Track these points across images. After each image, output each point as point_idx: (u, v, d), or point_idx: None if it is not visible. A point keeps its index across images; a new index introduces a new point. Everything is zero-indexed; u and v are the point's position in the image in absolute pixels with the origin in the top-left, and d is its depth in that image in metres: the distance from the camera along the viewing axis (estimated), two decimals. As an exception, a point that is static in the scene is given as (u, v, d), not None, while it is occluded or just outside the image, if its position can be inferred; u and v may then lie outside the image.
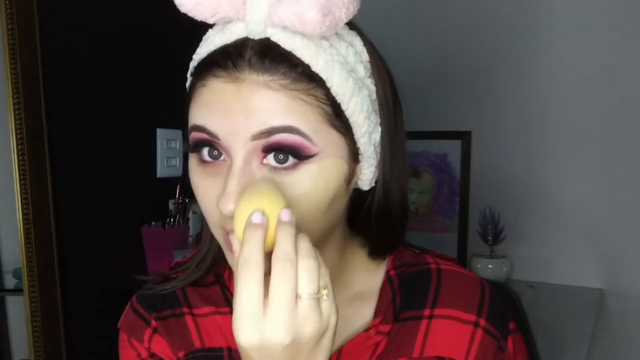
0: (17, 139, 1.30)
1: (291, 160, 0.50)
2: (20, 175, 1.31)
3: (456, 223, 1.84)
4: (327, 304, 0.46)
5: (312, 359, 0.46)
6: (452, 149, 1.83)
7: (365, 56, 0.55)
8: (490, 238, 1.69)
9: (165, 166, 1.71)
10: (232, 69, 0.49)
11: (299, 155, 0.49)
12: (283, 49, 0.49)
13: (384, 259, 0.65)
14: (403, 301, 0.63)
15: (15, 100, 1.29)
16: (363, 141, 0.54)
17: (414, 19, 1.83)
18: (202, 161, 0.53)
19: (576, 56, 1.66)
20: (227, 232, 0.52)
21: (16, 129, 1.29)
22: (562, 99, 1.69)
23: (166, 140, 1.70)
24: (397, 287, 0.63)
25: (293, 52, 0.49)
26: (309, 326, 0.44)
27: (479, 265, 1.67)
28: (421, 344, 0.60)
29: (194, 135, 0.52)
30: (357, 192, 0.60)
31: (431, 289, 0.63)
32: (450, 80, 1.82)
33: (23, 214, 1.32)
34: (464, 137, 1.81)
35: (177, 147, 1.75)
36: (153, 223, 1.62)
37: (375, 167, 0.57)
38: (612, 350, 1.66)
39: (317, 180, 0.51)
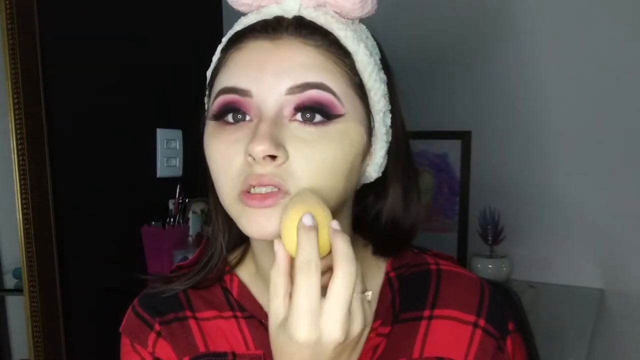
0: (17, 140, 1.30)
1: (319, 118, 0.52)
2: (20, 175, 1.31)
3: (456, 223, 1.84)
4: (367, 304, 0.48)
5: (352, 353, 0.48)
6: (452, 149, 1.83)
7: (377, 52, 0.58)
8: (490, 238, 1.69)
9: (165, 166, 1.71)
10: (272, 32, 0.53)
11: (328, 114, 0.52)
12: (316, 23, 0.54)
13: (386, 258, 0.65)
14: (402, 302, 0.63)
15: (15, 100, 1.29)
16: (378, 119, 0.56)
17: (412, 19, 1.83)
18: (225, 123, 0.54)
19: (576, 56, 1.66)
20: (246, 189, 0.51)
21: (16, 130, 1.29)
22: (563, 99, 1.69)
23: (166, 140, 1.70)
24: (397, 289, 0.63)
25: (324, 26, 0.54)
26: (357, 325, 0.46)
27: (479, 265, 1.67)
28: (421, 345, 0.61)
29: (221, 99, 0.53)
30: (365, 192, 0.61)
31: (431, 290, 0.63)
32: (449, 80, 1.82)
33: (23, 214, 1.32)
34: (464, 137, 1.81)
35: (177, 147, 1.75)
36: (153, 223, 1.62)
37: (386, 151, 0.58)
38: (612, 350, 1.66)
39: (344, 139, 0.52)
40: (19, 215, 1.31)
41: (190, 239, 1.65)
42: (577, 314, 1.58)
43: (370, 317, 0.48)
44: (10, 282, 1.41)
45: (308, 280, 0.45)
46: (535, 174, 1.73)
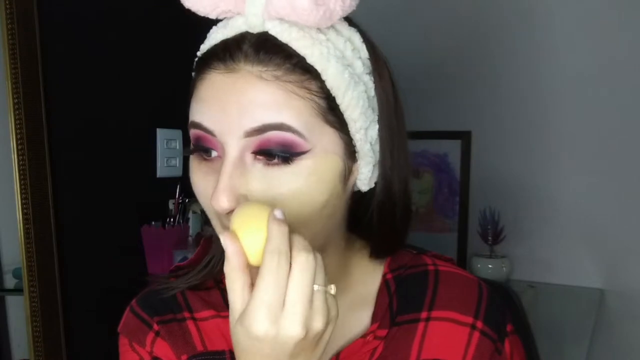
0: (17, 139, 1.29)
1: (281, 158, 0.50)
2: (20, 175, 1.31)
3: (456, 223, 1.84)
4: (331, 298, 0.47)
5: (314, 350, 0.47)
6: (452, 149, 1.83)
7: (364, 53, 0.54)
8: (490, 238, 1.69)
9: (165, 166, 1.71)
10: (229, 60, 0.50)
11: (291, 152, 0.49)
12: (280, 41, 0.50)
13: (384, 260, 0.64)
14: (400, 304, 0.62)
15: (15, 100, 1.29)
16: (359, 137, 0.53)
17: (413, 19, 1.83)
18: (201, 159, 0.54)
19: (576, 56, 1.66)
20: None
21: (16, 129, 1.29)
22: (562, 99, 1.69)
23: (166, 140, 1.70)
24: (394, 291, 0.63)
25: (289, 44, 0.50)
26: (319, 320, 0.45)
27: (479, 265, 1.67)
28: (418, 347, 0.60)
29: (192, 133, 0.53)
30: (359, 194, 0.60)
31: (428, 291, 0.63)
32: (450, 80, 1.82)
33: (23, 214, 1.31)
34: (464, 137, 1.81)
35: (177, 147, 1.74)
36: (153, 223, 1.62)
37: (373, 165, 0.56)
38: (612, 350, 1.66)
39: (310, 176, 0.50)
40: (19, 215, 1.31)
41: (190, 239, 1.65)
42: (577, 314, 1.59)
43: (334, 312, 0.47)
44: (10, 282, 1.41)
45: (276, 272, 0.44)
46: (535, 174, 1.74)
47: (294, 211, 0.50)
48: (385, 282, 0.63)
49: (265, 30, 0.50)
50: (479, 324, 0.61)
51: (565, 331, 1.52)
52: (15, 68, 1.28)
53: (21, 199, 1.31)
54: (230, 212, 0.49)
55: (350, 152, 0.54)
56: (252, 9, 0.50)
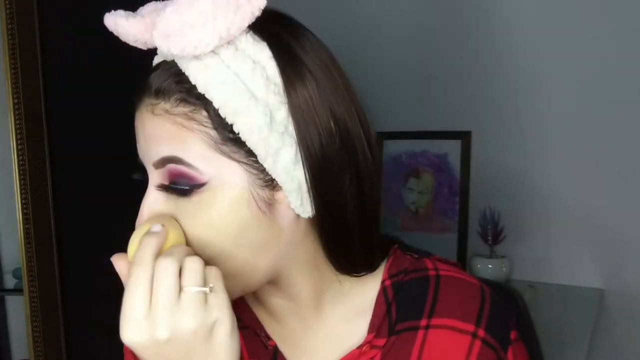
0: (17, 139, 1.30)
1: (183, 190, 0.50)
2: (20, 175, 1.31)
3: (456, 223, 1.84)
4: (214, 299, 0.46)
5: (211, 354, 0.46)
6: (452, 149, 1.83)
7: (271, 70, 0.49)
8: (490, 238, 1.69)
9: (165, 166, 1.71)
10: (141, 95, 0.52)
11: (191, 185, 0.50)
12: (179, 70, 0.49)
13: (382, 266, 0.61)
14: (399, 312, 0.60)
15: (15, 100, 1.29)
16: (268, 165, 0.49)
17: (412, 20, 1.83)
18: None
19: (575, 55, 1.66)
20: None
21: (16, 129, 1.29)
22: (563, 99, 1.69)
23: (166, 140, 1.70)
24: (392, 299, 0.60)
25: (186, 72, 0.48)
26: (188, 320, 0.45)
27: (479, 265, 1.67)
28: (417, 357, 0.58)
29: None
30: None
31: (428, 298, 0.60)
32: (449, 80, 1.82)
33: (23, 214, 1.32)
34: (464, 137, 1.81)
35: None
36: (153, 223, 1.62)
37: (298, 192, 0.50)
38: (612, 350, 1.66)
39: (209, 208, 0.50)
40: (19, 215, 1.31)
41: (190, 238, 1.65)
42: (577, 314, 1.58)
43: (219, 311, 0.46)
44: (10, 282, 1.41)
45: (135, 281, 0.45)
46: (535, 174, 1.73)
47: (207, 242, 0.50)
48: (383, 290, 0.61)
49: (172, 59, 0.50)
50: (481, 332, 0.58)
51: (565, 331, 1.52)
52: (15, 68, 1.28)
53: (21, 199, 1.31)
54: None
55: (267, 180, 0.50)
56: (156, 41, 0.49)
